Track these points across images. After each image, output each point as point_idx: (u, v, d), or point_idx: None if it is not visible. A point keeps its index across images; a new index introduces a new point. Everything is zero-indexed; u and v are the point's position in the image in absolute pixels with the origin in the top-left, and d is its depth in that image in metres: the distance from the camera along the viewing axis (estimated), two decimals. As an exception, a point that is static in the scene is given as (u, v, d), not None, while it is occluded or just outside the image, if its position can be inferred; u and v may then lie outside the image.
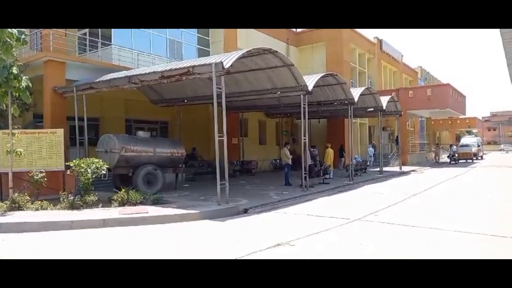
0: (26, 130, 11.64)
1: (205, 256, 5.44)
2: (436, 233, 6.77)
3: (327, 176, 15.94)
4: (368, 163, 24.71)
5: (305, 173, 12.85)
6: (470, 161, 31.88)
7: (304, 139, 13.02)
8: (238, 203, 9.97)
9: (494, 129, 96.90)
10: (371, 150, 26.18)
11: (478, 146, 36.04)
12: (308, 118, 18.06)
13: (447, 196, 11.98)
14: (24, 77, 8.95)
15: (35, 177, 9.61)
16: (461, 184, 15.87)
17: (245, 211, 9.25)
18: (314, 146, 18.42)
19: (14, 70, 8.62)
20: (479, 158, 35.73)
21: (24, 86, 8.86)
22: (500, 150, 68.77)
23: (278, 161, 21.61)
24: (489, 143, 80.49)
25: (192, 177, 15.92)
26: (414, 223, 7.60)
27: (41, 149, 11.21)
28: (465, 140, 37.20)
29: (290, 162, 14.72)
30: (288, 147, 15.37)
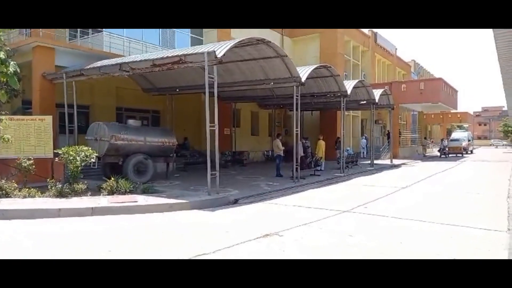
0: (14, 116, 11.46)
1: (193, 247, 5.42)
2: (423, 226, 6.84)
3: (318, 168, 16.00)
4: (361, 155, 24.91)
5: (296, 165, 12.86)
6: (460, 155, 32.23)
7: (296, 131, 13.01)
8: (229, 193, 9.97)
9: (485, 124, 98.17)
10: (364, 141, 26.32)
11: (469, 140, 36.47)
12: (301, 110, 18.02)
13: (436, 190, 12.08)
14: (12, 62, 8.75)
15: (23, 164, 9.48)
16: (449, 177, 16.03)
17: (235, 202, 9.24)
18: (307, 137, 18.45)
19: (2, 55, 8.36)
20: (469, 152, 36.14)
21: (12, 72, 8.63)
22: (490, 145, 69.71)
23: (270, 152, 21.63)
24: (479, 138, 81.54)
25: (183, 167, 15.86)
26: (403, 215, 7.66)
27: (29, 136, 11.07)
28: (456, 134, 37.59)
29: (282, 153, 14.72)
30: (280, 139, 15.35)
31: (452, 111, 39.67)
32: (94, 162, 9.95)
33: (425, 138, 36.64)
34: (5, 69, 8.63)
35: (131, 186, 9.41)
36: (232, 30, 19.75)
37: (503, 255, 5.04)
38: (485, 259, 4.81)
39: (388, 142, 26.09)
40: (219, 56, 9.18)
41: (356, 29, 28.01)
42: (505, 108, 45.22)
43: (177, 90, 15.95)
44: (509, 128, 48.16)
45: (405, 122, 34.15)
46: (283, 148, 14.99)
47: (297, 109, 12.80)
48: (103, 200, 8.33)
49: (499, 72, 15.38)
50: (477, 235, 6.13)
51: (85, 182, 9.38)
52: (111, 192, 9.13)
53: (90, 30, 14.78)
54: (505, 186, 12.48)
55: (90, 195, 8.92)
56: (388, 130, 26.98)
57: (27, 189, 8.78)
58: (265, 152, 22.82)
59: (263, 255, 5.00)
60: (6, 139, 9.19)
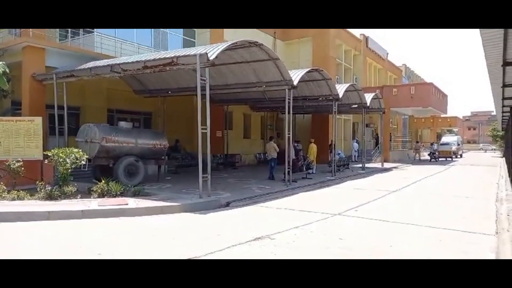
0: (3, 118, 11.30)
1: (184, 250, 5.40)
2: (413, 229, 6.90)
3: (310, 171, 16.03)
4: (353, 158, 25.05)
5: (288, 168, 12.88)
6: (450, 159, 32.59)
7: (288, 134, 13.03)
8: (220, 196, 9.95)
9: (474, 129, 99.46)
10: (355, 145, 26.49)
11: (458, 145, 36.87)
12: (293, 113, 17.97)
13: (425, 193, 12.20)
14: (1, 63, 8.70)
15: (12, 166, 9.34)
16: (439, 181, 16.20)
17: (227, 205, 9.22)
18: (298, 141, 18.49)
19: (-9, 55, 8.36)
20: (459, 156, 36.57)
21: (1, 72, 8.62)
22: (479, 149, 70.61)
23: (262, 155, 21.63)
24: (469, 142, 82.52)
25: (174, 169, 15.79)
26: (393, 218, 7.71)
27: (18, 137, 10.91)
28: (446, 138, 37.97)
29: (276, 156, 14.74)
30: (274, 141, 15.37)
31: (442, 115, 40.13)
32: (84, 164, 9.84)
33: (417, 142, 36.85)
34: (-6, 70, 8.58)
35: (122, 189, 9.33)
36: (225, 32, 19.76)
37: (491, 258, 5.10)
38: (470, 259, 4.86)
39: (378, 146, 26.27)
40: (211, 58, 9.17)
41: (348, 33, 28.25)
42: (494, 113, 45.86)
43: (169, 92, 15.88)
44: (498, 133, 48.89)
45: (396, 126, 34.43)
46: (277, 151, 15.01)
47: (289, 112, 12.83)
48: (93, 203, 8.24)
49: (487, 77, 15.59)
50: (465, 238, 6.20)
51: (75, 184, 9.27)
52: (102, 195, 9.04)
53: (81, 31, 14.66)
54: (493, 190, 12.65)
55: (80, 198, 8.81)
56: (377, 134, 27.16)
57: (16, 192, 8.65)
58: (257, 154, 22.82)
59: (255, 258, 4.99)
60: (-5, 141, 9.10)
